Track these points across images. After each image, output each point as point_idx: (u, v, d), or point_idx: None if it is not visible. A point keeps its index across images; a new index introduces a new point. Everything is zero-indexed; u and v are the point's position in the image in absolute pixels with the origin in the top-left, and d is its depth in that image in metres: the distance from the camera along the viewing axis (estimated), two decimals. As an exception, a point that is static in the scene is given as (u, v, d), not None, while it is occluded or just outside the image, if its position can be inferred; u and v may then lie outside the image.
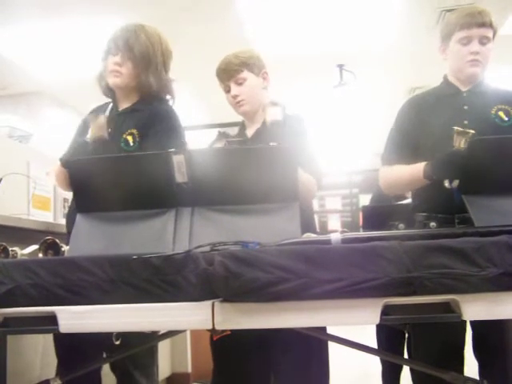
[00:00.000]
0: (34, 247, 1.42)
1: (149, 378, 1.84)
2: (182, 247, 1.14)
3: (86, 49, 4.45)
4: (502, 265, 0.95)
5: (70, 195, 1.58)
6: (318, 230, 2.03)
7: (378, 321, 0.97)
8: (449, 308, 0.99)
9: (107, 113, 1.83)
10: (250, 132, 1.93)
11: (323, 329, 1.37)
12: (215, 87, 1.98)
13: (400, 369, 2.71)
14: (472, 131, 1.50)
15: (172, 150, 1.27)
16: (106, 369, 1.82)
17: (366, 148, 7.59)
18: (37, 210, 3.00)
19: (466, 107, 1.75)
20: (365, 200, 5.56)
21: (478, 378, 1.69)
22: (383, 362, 2.76)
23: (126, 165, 1.35)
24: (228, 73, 1.88)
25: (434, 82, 1.91)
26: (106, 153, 1.63)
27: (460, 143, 1.50)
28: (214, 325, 1.00)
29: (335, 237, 1.11)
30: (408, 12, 4.24)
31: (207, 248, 1.07)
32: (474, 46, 1.71)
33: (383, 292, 0.96)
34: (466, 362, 1.69)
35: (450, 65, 1.81)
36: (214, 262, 0.99)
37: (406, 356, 2.60)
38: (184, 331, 2.90)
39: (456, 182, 1.46)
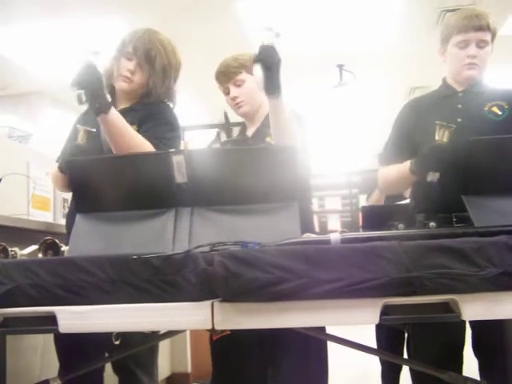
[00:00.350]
0: (34, 247, 1.42)
1: (150, 376, 1.84)
2: (181, 247, 1.14)
3: (87, 49, 4.45)
4: (502, 265, 0.95)
5: (69, 195, 1.58)
6: (317, 230, 2.04)
7: (377, 321, 0.97)
8: (448, 308, 0.99)
9: None
10: (250, 132, 1.96)
11: (322, 329, 1.37)
12: (215, 88, 1.99)
13: (400, 369, 2.71)
14: (454, 125, 1.52)
15: (172, 150, 1.27)
16: (108, 369, 1.82)
17: (365, 148, 7.59)
18: (36, 210, 3.00)
19: (459, 106, 1.76)
20: (364, 200, 5.56)
21: (477, 377, 1.69)
22: (383, 362, 2.76)
23: (125, 165, 1.35)
24: (227, 75, 1.91)
25: (434, 82, 1.91)
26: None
27: (443, 137, 1.51)
28: (213, 325, 1.00)
29: (335, 237, 1.11)
30: (408, 12, 4.25)
31: (207, 248, 1.07)
32: (472, 49, 1.72)
33: (383, 292, 0.96)
34: (465, 361, 1.69)
35: (449, 67, 1.83)
36: (214, 262, 0.99)
37: (405, 356, 2.60)
38: (184, 331, 2.90)
39: (436, 176, 1.48)
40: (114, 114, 1.60)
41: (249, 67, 1.90)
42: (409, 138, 1.78)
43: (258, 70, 1.50)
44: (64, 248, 1.39)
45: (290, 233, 1.16)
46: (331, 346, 1.63)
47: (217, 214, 1.26)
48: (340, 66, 5.23)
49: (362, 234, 1.20)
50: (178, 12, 4.11)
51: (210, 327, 1.00)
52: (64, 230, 1.88)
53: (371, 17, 4.38)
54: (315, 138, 1.87)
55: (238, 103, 1.92)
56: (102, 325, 1.05)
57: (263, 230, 1.20)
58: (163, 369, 3.18)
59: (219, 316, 1.00)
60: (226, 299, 1.00)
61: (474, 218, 1.25)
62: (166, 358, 3.26)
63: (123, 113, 1.83)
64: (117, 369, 1.83)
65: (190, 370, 3.42)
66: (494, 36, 1.76)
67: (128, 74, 1.80)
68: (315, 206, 8.70)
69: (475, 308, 0.97)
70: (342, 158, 8.39)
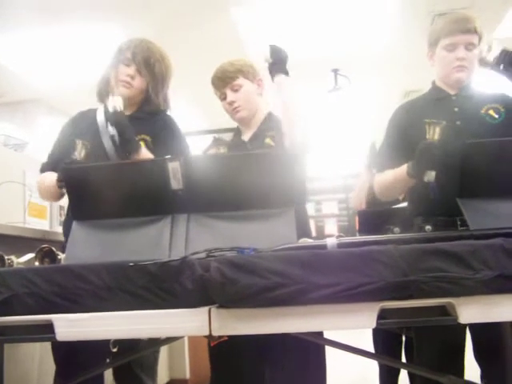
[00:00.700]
0: (31, 255, 1.42)
1: (154, 379, 1.85)
2: (178, 254, 1.14)
3: (84, 56, 4.45)
4: (497, 267, 0.95)
5: (66, 203, 1.58)
6: (314, 234, 2.04)
7: (374, 325, 0.98)
8: (445, 311, 0.99)
9: (99, 118, 1.83)
10: (246, 137, 1.95)
11: (320, 333, 1.37)
12: (211, 93, 2.00)
13: (398, 372, 2.71)
14: (444, 122, 1.52)
15: (167, 156, 1.27)
16: (109, 377, 1.81)
17: (361, 152, 7.59)
18: (33, 218, 2.99)
19: (456, 109, 1.77)
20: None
21: (479, 381, 1.69)
22: (381, 366, 2.75)
23: (121, 172, 1.35)
24: (224, 80, 1.91)
25: (429, 85, 1.92)
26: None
27: (434, 134, 1.51)
28: (210, 331, 0.99)
29: (331, 241, 1.11)
30: (402, 16, 4.27)
31: (203, 254, 1.07)
32: (460, 51, 1.73)
33: (379, 296, 0.97)
34: (467, 365, 1.69)
35: (437, 71, 1.84)
36: (210, 269, 0.99)
37: (403, 359, 2.60)
38: (182, 337, 2.89)
39: (433, 175, 1.48)
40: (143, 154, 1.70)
41: (245, 72, 1.91)
42: (404, 138, 1.78)
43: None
44: (61, 256, 1.39)
45: (287, 238, 1.16)
46: (329, 350, 1.63)
47: (213, 220, 1.26)
48: (335, 71, 5.24)
49: (358, 238, 1.21)
50: (174, 18, 4.12)
51: (207, 333, 1.00)
52: (60, 238, 1.87)
53: (365, 21, 4.39)
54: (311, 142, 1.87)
55: (235, 108, 1.92)
56: (100, 332, 1.04)
57: (259, 236, 1.20)
58: (161, 375, 3.17)
59: (216, 322, 1.00)
60: (223, 305, 1.00)
61: (469, 221, 1.25)
62: (164, 364, 3.25)
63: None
64: (121, 374, 1.82)
65: (188, 376, 3.40)
66: (480, 40, 1.77)
67: (128, 79, 1.81)
68: (312, 210, 8.68)
69: (472, 311, 0.98)
70: (338, 161, 8.39)
